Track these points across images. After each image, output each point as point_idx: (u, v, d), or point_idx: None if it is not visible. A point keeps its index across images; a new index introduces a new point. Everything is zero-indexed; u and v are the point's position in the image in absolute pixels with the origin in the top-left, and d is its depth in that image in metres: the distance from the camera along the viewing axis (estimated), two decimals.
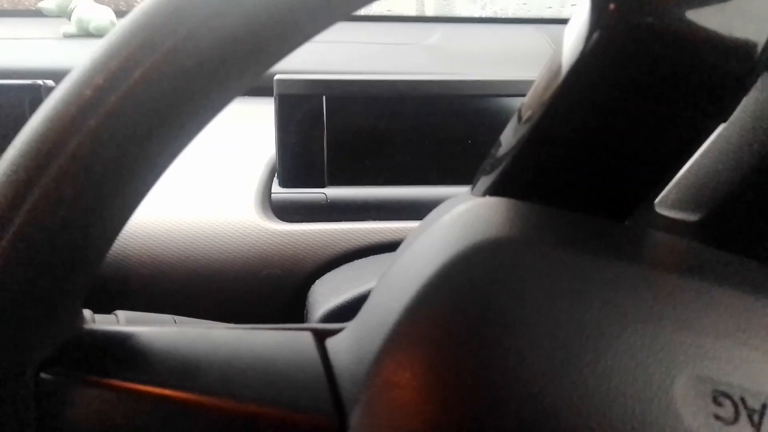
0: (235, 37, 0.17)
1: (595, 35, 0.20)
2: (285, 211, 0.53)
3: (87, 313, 0.31)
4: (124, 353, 0.20)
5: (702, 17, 0.19)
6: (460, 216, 0.21)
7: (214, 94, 0.17)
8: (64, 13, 0.81)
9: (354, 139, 0.53)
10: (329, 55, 0.74)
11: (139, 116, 0.17)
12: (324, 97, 0.51)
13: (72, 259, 0.18)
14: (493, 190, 0.24)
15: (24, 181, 0.17)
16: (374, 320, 0.19)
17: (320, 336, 0.21)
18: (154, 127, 0.17)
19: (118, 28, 0.18)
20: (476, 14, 0.97)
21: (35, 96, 0.42)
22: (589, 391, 0.17)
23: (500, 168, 0.24)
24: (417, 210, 0.53)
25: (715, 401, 0.17)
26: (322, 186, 0.53)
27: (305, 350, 0.20)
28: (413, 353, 0.18)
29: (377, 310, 0.20)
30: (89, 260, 0.19)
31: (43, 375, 0.19)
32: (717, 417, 0.17)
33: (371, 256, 0.50)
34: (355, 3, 0.18)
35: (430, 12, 0.98)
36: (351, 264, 0.50)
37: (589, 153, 0.22)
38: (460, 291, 0.18)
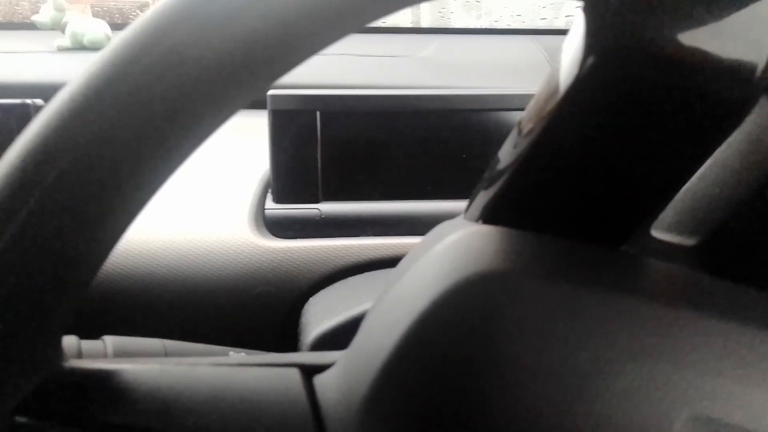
0: (233, 52, 0.16)
1: (590, 60, 0.20)
2: (279, 227, 0.52)
3: (72, 339, 0.30)
4: (104, 393, 0.19)
5: (698, 41, 0.19)
6: (451, 246, 0.20)
7: (208, 109, 0.17)
8: (58, 26, 0.80)
9: (348, 154, 0.52)
10: (323, 68, 0.73)
11: (129, 132, 0.16)
12: (318, 113, 0.51)
13: (53, 295, 0.17)
14: (486, 215, 0.23)
15: (3, 209, 0.16)
16: (363, 358, 0.19)
17: (308, 372, 0.20)
18: (145, 145, 0.16)
19: (114, 41, 0.17)
20: (471, 25, 0.97)
21: (24, 115, 0.41)
22: None
23: (494, 192, 0.23)
24: (412, 225, 0.53)
25: None
26: (317, 201, 0.52)
27: (292, 389, 0.19)
28: (403, 394, 0.17)
29: (367, 346, 0.19)
30: (71, 294, 0.18)
31: (18, 418, 0.18)
32: None
33: (366, 273, 0.50)
34: (364, 17, 0.17)
35: (425, 23, 0.98)
36: (345, 281, 0.49)
37: (584, 177, 0.22)
38: (450, 329, 0.18)
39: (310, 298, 0.48)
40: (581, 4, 0.21)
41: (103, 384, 0.19)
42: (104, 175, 0.16)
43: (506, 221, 0.22)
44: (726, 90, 0.20)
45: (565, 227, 0.22)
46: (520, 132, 0.23)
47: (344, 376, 0.19)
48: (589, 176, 0.22)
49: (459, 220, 0.25)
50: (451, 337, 0.17)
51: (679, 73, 0.19)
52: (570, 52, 0.21)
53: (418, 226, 0.53)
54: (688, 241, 0.24)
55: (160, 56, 0.16)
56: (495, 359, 0.17)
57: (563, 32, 0.94)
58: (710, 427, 0.16)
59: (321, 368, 0.21)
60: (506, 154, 0.24)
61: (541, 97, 0.22)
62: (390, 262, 0.50)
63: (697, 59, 0.19)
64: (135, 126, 0.16)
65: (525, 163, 0.22)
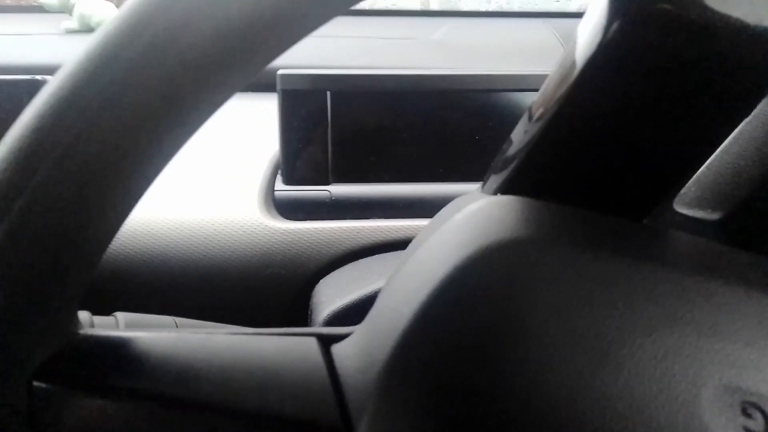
0: (225, 34, 0.16)
1: (615, 25, 0.19)
2: (289, 209, 0.52)
3: (85, 315, 0.30)
4: (121, 359, 0.19)
5: (727, 5, 0.18)
6: (472, 215, 0.20)
7: (206, 90, 0.17)
8: (65, 9, 0.80)
9: (359, 136, 0.52)
10: (333, 50, 0.73)
11: (132, 110, 0.16)
12: (328, 93, 0.50)
13: (66, 262, 0.17)
14: (505, 188, 0.23)
15: (15, 180, 0.16)
16: (382, 326, 0.18)
17: (326, 342, 0.20)
18: (150, 122, 0.16)
19: (117, 13, 0.17)
20: (482, 8, 0.96)
21: (34, 91, 0.41)
22: (611, 402, 0.16)
23: (513, 165, 0.23)
24: (423, 207, 0.52)
25: (745, 412, 0.16)
26: (327, 183, 0.52)
27: (310, 357, 0.19)
28: (424, 362, 0.17)
29: (386, 314, 0.19)
30: (84, 263, 0.18)
31: (36, 383, 0.18)
32: (746, 429, 0.16)
33: (376, 255, 0.49)
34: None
35: (435, 6, 0.96)
36: (356, 263, 0.49)
37: (606, 149, 0.21)
38: (472, 295, 0.17)
39: (321, 280, 0.48)
40: None
41: (119, 351, 0.19)
42: (114, 145, 0.16)
43: (525, 194, 0.22)
44: (754, 57, 0.19)
45: (587, 201, 0.22)
46: (537, 108, 0.22)
47: (362, 344, 0.19)
48: (611, 150, 0.21)
49: (476, 194, 0.24)
50: (473, 305, 0.17)
51: (706, 39, 0.19)
52: (590, 24, 0.20)
53: (429, 208, 0.52)
54: (712, 216, 0.24)
55: (165, 27, 0.16)
56: (517, 327, 0.17)
57: (577, 15, 0.93)
58: (738, 396, 0.16)
59: (338, 338, 0.20)
60: (524, 129, 0.23)
61: (558, 73, 0.22)
62: (400, 244, 0.50)
63: (725, 24, 0.18)
64: (141, 97, 0.16)
65: (544, 137, 0.22)
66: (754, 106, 0.23)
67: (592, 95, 0.20)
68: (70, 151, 0.16)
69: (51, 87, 0.17)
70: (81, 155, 0.16)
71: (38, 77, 0.42)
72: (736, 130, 0.24)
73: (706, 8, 0.18)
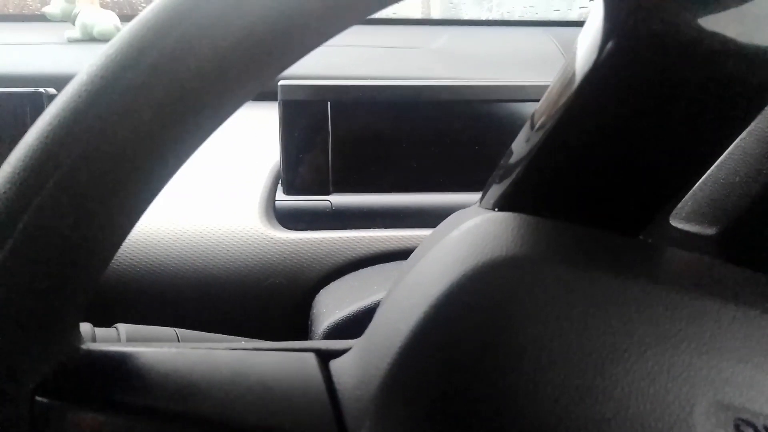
0: (236, 46, 0.16)
1: (610, 45, 0.19)
2: (289, 219, 0.52)
3: (87, 326, 0.30)
4: (122, 375, 0.19)
5: (720, 26, 0.19)
6: (468, 232, 0.20)
7: (214, 102, 0.17)
8: (68, 18, 0.81)
9: (359, 146, 0.52)
10: (334, 59, 0.73)
11: (135, 129, 0.16)
12: (329, 103, 0.50)
13: (69, 279, 0.18)
14: (502, 203, 0.23)
15: (18, 198, 0.16)
16: (380, 342, 0.19)
17: (324, 357, 0.20)
18: (153, 139, 0.16)
19: (120, 33, 0.17)
20: (483, 17, 0.97)
21: (37, 103, 0.42)
22: (605, 419, 0.16)
23: (510, 179, 0.23)
24: (423, 217, 0.53)
25: (738, 429, 0.16)
26: (327, 193, 0.52)
27: (309, 373, 0.19)
28: (420, 378, 0.17)
29: (383, 330, 0.19)
30: (87, 279, 0.18)
31: (38, 398, 0.18)
32: None
33: (377, 265, 0.50)
34: (363, 10, 0.17)
35: (435, 15, 0.97)
36: (356, 273, 0.49)
37: (602, 165, 0.22)
38: (468, 312, 0.17)
39: (321, 290, 0.48)
40: None
41: (120, 366, 0.19)
42: (117, 163, 0.16)
43: (522, 209, 0.22)
44: (748, 75, 0.19)
45: (583, 215, 0.22)
46: (535, 121, 0.23)
47: (360, 360, 0.19)
48: (607, 165, 0.22)
49: (474, 209, 0.25)
50: (469, 321, 0.17)
51: (700, 58, 0.19)
52: (587, 40, 0.21)
53: (429, 218, 0.52)
54: (708, 231, 0.24)
55: (172, 44, 0.16)
56: (513, 344, 0.17)
57: (577, 24, 0.93)
58: (731, 413, 0.16)
59: (337, 353, 0.21)
60: (522, 143, 0.23)
61: (557, 87, 0.22)
62: (401, 254, 0.50)
63: (719, 44, 0.19)
64: (147, 113, 0.16)
65: (541, 151, 0.22)
66: (749, 123, 0.23)
67: (589, 110, 0.21)
68: (74, 170, 0.16)
69: (53, 108, 0.17)
70: (84, 174, 0.16)
71: (41, 89, 0.42)
72: (732, 146, 0.24)
73: (698, 29, 0.19)
